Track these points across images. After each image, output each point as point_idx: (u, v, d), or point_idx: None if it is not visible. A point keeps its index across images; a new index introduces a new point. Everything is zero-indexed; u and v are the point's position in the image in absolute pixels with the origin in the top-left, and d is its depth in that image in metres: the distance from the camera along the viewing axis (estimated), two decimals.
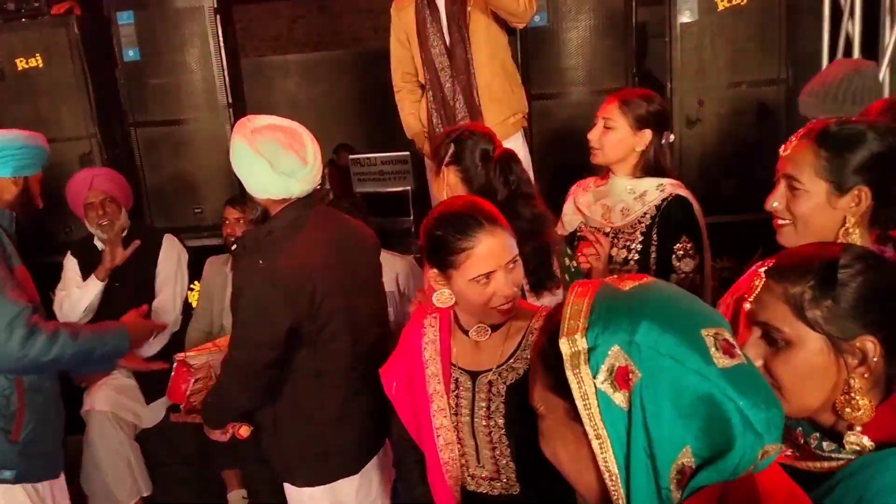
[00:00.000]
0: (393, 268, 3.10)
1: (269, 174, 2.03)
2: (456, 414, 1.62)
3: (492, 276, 1.52)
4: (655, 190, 2.21)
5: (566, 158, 3.56)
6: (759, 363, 1.12)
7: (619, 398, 0.88)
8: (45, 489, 2.19)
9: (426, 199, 4.18)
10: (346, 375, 2.15)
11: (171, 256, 3.32)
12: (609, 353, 0.88)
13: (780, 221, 1.52)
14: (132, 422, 3.16)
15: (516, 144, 3.09)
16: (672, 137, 2.26)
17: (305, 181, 2.07)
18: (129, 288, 3.19)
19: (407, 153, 4.28)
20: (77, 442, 3.01)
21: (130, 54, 3.88)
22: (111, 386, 3.17)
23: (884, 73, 2.99)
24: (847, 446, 1.10)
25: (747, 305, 1.17)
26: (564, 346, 0.90)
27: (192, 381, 2.19)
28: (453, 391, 1.63)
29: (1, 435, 2.02)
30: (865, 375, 1.08)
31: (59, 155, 3.84)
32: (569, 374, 0.90)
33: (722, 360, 0.88)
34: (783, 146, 1.53)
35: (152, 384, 3.15)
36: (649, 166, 2.22)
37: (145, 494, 3.16)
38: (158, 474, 3.22)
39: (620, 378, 0.88)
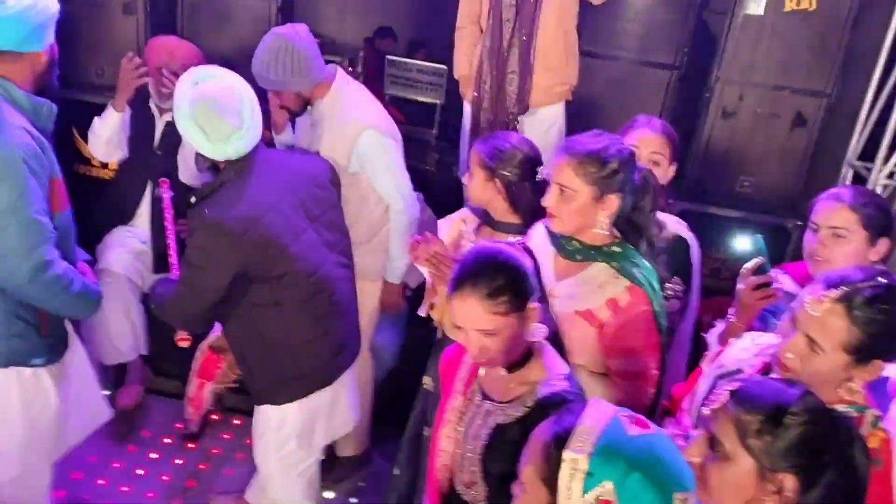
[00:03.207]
0: None
1: (204, 141, 2.18)
2: (460, 418, 1.74)
3: (463, 329, 1.61)
4: None
5: (596, 124, 3.59)
6: (697, 460, 1.32)
7: None
8: (66, 358, 2.36)
9: (452, 114, 4.21)
10: (307, 303, 2.34)
11: None
12: (602, 484, 1.10)
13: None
14: (139, 285, 3.35)
15: (556, 112, 3.17)
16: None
17: (241, 142, 2.21)
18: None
19: (444, 67, 4.24)
20: None
21: None
22: (127, 249, 3.33)
23: None
24: None
25: (705, 411, 1.35)
26: (568, 456, 1.12)
27: (225, 362, 2.39)
28: (468, 398, 1.75)
29: (31, 330, 2.18)
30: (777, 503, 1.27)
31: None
32: (562, 481, 1.13)
33: None
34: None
35: (162, 256, 3.33)
36: None
37: (143, 353, 3.41)
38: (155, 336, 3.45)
39: None
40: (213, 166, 2.31)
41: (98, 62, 3.92)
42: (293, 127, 3.04)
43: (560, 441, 1.16)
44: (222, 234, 2.17)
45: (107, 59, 3.88)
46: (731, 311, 2.01)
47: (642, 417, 1.19)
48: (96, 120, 3.26)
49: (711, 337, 2.07)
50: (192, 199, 2.35)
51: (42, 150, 2.11)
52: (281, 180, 2.31)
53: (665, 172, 2.30)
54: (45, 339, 2.21)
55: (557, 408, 1.43)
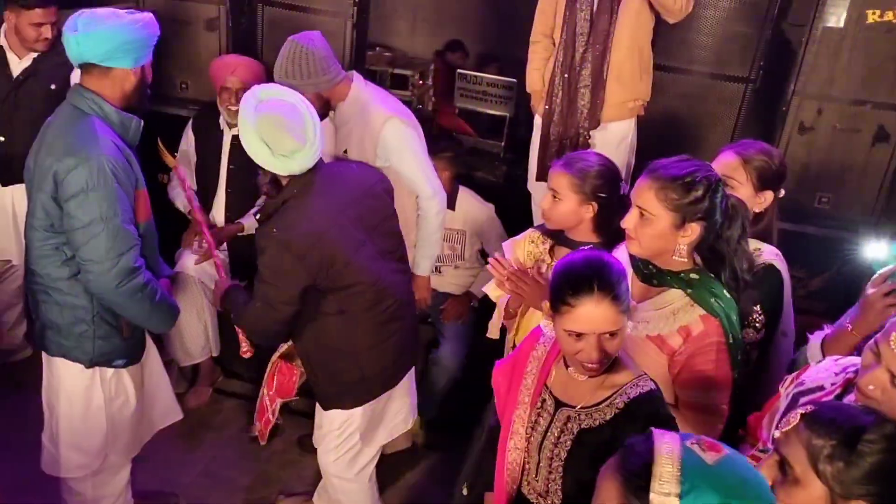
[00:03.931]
0: (470, 210, 3.32)
1: (269, 156, 2.23)
2: (532, 428, 1.77)
3: (583, 336, 1.61)
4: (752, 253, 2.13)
5: (668, 138, 3.56)
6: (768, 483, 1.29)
7: None
8: (144, 358, 2.51)
9: (521, 126, 4.23)
10: (370, 311, 2.41)
11: None
12: None
13: None
14: (212, 289, 3.47)
15: (627, 128, 3.14)
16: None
17: (305, 159, 2.26)
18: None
19: (514, 80, 4.28)
20: None
21: None
22: None
23: None
24: None
25: (776, 433, 1.33)
26: (657, 501, 1.04)
27: (299, 372, 2.47)
28: (537, 407, 1.77)
29: (114, 332, 2.31)
30: None
31: (187, 14, 4.01)
32: None
33: None
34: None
35: (236, 261, 3.48)
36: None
37: (214, 354, 3.55)
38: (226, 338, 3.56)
39: None
40: (274, 181, 2.37)
41: (182, 76, 4.09)
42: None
43: (635, 485, 1.07)
44: (290, 252, 2.24)
45: (191, 74, 4.06)
46: (846, 318, 1.89)
47: (710, 440, 1.12)
48: (176, 191, 3.52)
49: (815, 339, 1.95)
50: (258, 216, 2.45)
51: (129, 162, 2.26)
52: (341, 195, 2.38)
53: (744, 197, 2.09)
54: (126, 341, 2.33)
55: (649, 407, 1.58)
